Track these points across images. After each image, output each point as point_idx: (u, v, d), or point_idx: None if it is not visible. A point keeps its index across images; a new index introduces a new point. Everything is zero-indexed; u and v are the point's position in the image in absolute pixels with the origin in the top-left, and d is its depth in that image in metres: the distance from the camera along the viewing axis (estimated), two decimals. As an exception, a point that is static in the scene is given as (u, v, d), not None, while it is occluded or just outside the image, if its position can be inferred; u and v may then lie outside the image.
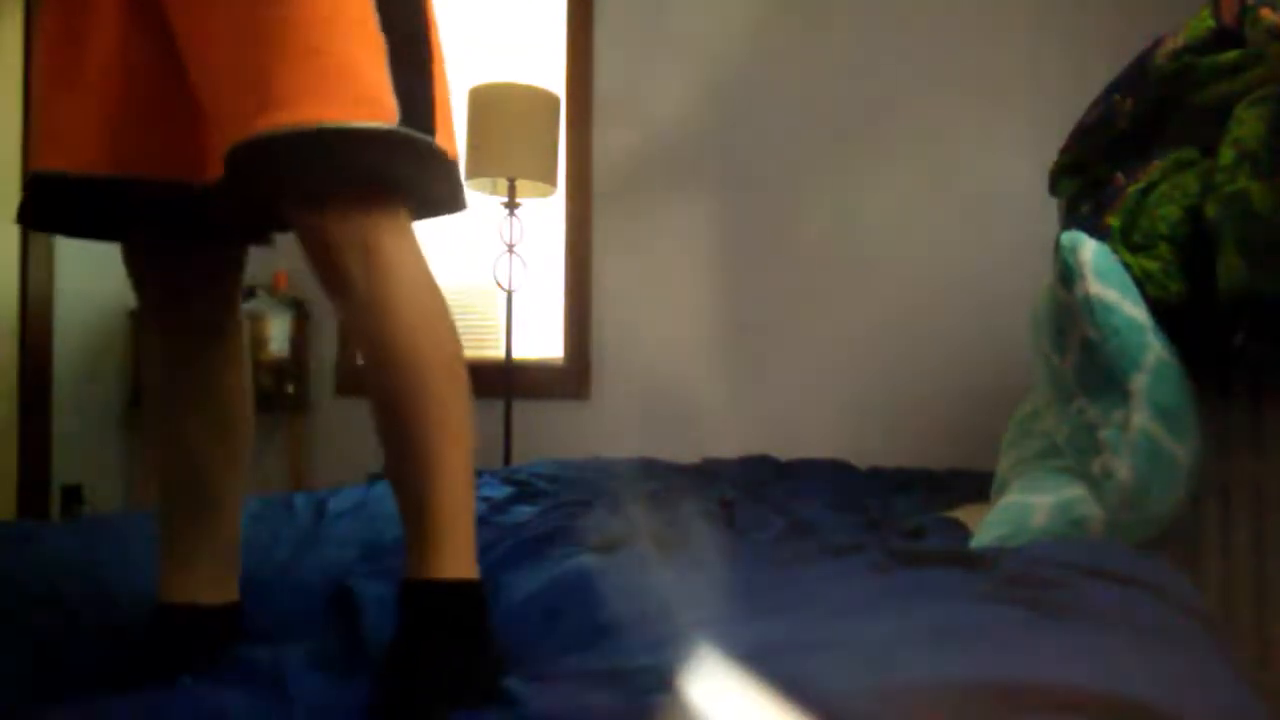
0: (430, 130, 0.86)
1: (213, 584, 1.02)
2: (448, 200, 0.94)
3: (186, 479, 1.02)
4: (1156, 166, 1.34)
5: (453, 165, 0.90)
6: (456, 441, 0.89)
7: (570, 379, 2.80)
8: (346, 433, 3.10)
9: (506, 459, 2.60)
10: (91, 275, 2.94)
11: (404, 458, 0.88)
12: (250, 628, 1.03)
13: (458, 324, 0.93)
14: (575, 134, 2.82)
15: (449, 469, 0.88)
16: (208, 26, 0.82)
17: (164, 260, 0.99)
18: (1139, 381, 1.10)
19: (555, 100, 2.58)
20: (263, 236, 1.04)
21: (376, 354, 0.86)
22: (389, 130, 0.81)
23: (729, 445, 2.35)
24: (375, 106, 0.81)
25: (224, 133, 0.80)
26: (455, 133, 0.94)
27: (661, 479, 1.90)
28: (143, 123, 0.91)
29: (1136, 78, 1.45)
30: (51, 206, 0.92)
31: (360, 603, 1.02)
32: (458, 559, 0.88)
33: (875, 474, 2.07)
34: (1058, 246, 1.21)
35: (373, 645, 0.95)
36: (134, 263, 1.00)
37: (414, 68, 0.85)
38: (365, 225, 0.82)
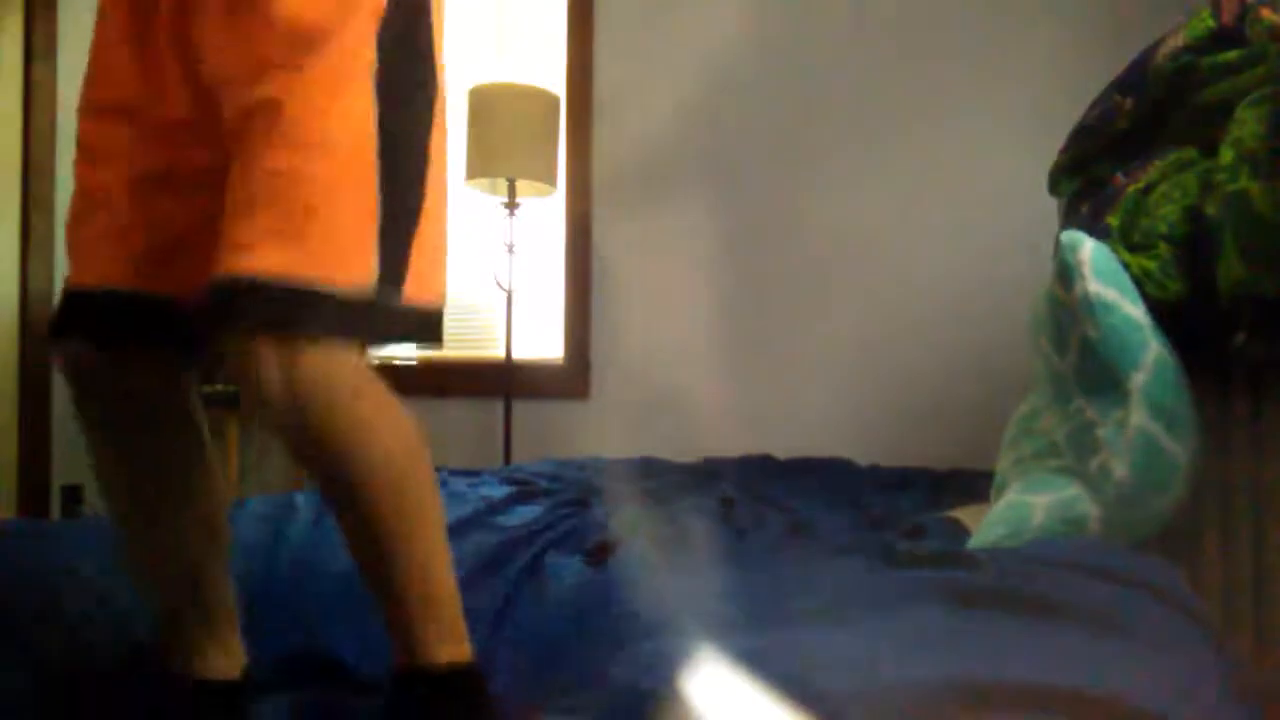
0: (398, 284, 0.88)
1: (222, 659, 1.01)
2: (416, 337, 0.94)
3: (170, 572, 1.00)
4: (1156, 166, 1.34)
5: (418, 313, 0.91)
6: (417, 535, 0.88)
7: (570, 379, 2.80)
8: (346, 433, 3.09)
9: (506, 459, 2.60)
10: (92, 275, 2.94)
11: (368, 558, 0.88)
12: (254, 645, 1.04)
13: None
14: (575, 134, 2.82)
15: (416, 562, 0.87)
16: (236, 163, 0.85)
17: (125, 365, 0.96)
18: (1137, 380, 1.10)
19: (555, 100, 2.58)
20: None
21: (310, 468, 0.87)
22: (360, 298, 0.84)
23: (729, 445, 2.35)
24: (354, 270, 0.84)
25: (216, 260, 0.83)
26: (441, 270, 0.95)
27: (661, 478, 1.90)
28: (158, 244, 0.93)
29: (1136, 78, 1.45)
30: (80, 318, 0.94)
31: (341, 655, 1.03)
32: (446, 643, 0.88)
33: (875, 473, 2.07)
34: (1057, 246, 1.21)
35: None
36: (87, 369, 0.96)
37: (400, 229, 0.88)
38: (292, 354, 0.82)
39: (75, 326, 0.94)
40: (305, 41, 0.83)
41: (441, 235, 0.95)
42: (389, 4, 0.87)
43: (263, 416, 0.84)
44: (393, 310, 0.88)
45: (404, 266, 0.88)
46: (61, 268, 3.02)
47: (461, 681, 0.89)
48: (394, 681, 0.88)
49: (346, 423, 0.84)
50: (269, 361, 0.81)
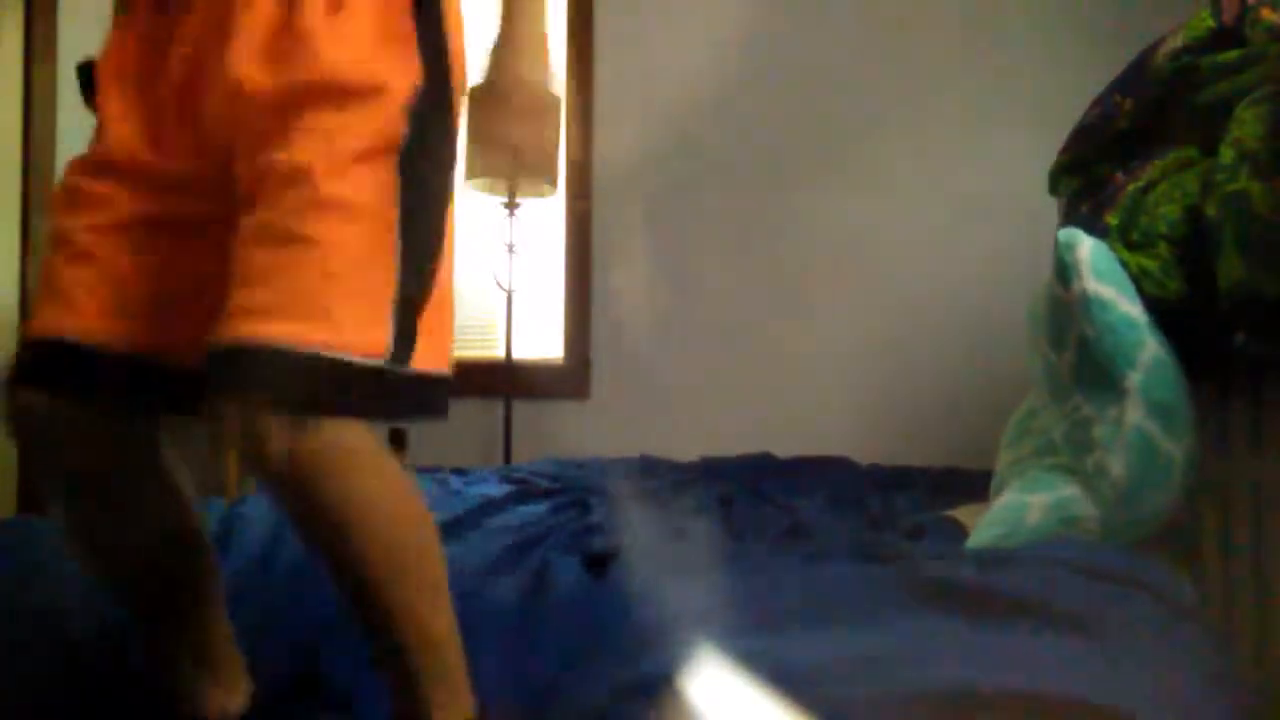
0: (408, 356, 0.85)
1: (224, 697, 0.99)
2: (425, 412, 0.92)
3: (162, 618, 0.98)
4: (1156, 165, 1.34)
5: (427, 383, 0.89)
6: (418, 607, 0.87)
7: (570, 379, 2.80)
8: (346, 433, 3.09)
9: (506, 459, 2.60)
10: (92, 275, 2.94)
11: (368, 624, 0.87)
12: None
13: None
14: (575, 134, 2.82)
15: (417, 632, 0.86)
16: (246, 223, 0.83)
17: (90, 420, 0.91)
18: (1134, 379, 1.10)
19: (555, 100, 2.58)
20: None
21: (305, 535, 0.85)
22: (374, 369, 0.82)
23: (728, 445, 2.34)
24: (370, 340, 0.82)
25: (224, 324, 0.80)
26: (448, 340, 0.93)
27: (661, 478, 1.90)
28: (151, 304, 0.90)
29: (1136, 78, 1.45)
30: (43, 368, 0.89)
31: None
32: (450, 703, 0.87)
33: (875, 473, 2.07)
34: (1056, 244, 1.21)
35: None
36: (47, 422, 0.89)
37: (414, 302, 0.86)
38: (299, 428, 0.79)
39: (39, 377, 0.88)
40: (339, 102, 0.82)
41: (449, 306, 0.93)
42: (425, 80, 0.87)
43: (260, 480, 0.82)
44: (403, 382, 0.85)
45: (414, 338, 0.86)
46: (61, 268, 3.03)
47: None
48: None
49: (346, 498, 0.81)
50: (273, 433, 0.77)
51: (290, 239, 0.80)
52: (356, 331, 0.81)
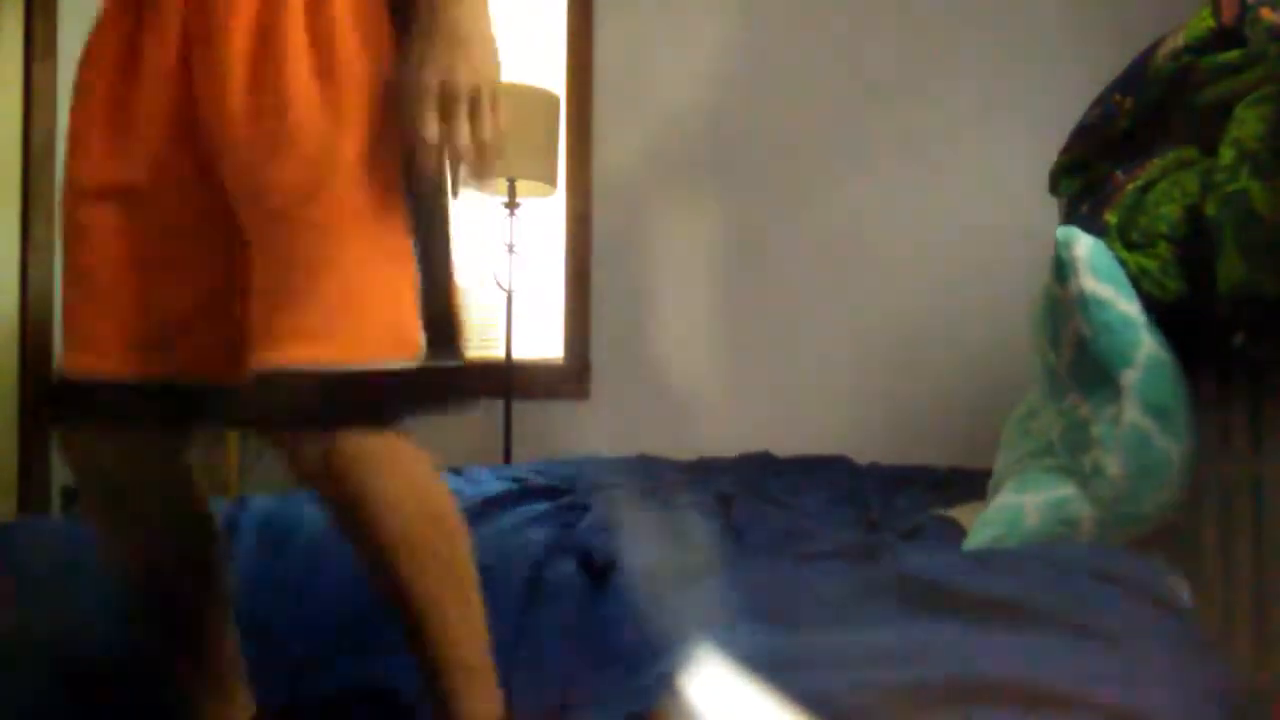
0: (454, 347, 0.91)
1: (232, 699, 1.02)
2: (456, 403, 0.97)
3: (173, 634, 1.02)
4: (1155, 164, 1.34)
5: (466, 372, 0.95)
6: (443, 601, 0.90)
7: (570, 379, 2.80)
8: (346, 432, 3.09)
9: (507, 459, 2.60)
10: (92, 275, 2.94)
11: (402, 618, 0.90)
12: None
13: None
14: (575, 134, 2.82)
15: (444, 626, 0.90)
16: (264, 249, 0.87)
17: (127, 450, 0.97)
18: (1130, 377, 1.10)
19: (555, 100, 2.58)
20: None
21: (344, 531, 0.90)
22: (410, 370, 0.87)
23: (728, 444, 2.34)
24: (400, 344, 0.87)
25: (255, 351, 0.85)
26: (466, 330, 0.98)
27: (660, 478, 1.90)
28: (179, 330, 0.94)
29: (1136, 78, 1.45)
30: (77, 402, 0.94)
31: None
32: (475, 704, 0.90)
33: (874, 472, 2.07)
34: (1054, 242, 1.21)
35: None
36: (87, 446, 0.96)
37: (442, 291, 0.91)
38: (345, 451, 0.85)
39: (76, 414, 0.94)
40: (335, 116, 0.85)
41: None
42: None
43: (298, 479, 0.88)
44: (454, 372, 0.91)
45: (455, 329, 0.92)
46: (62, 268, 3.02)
47: None
48: None
49: (369, 496, 0.86)
50: (309, 443, 0.84)
51: (306, 264, 0.84)
52: (382, 339, 0.86)
